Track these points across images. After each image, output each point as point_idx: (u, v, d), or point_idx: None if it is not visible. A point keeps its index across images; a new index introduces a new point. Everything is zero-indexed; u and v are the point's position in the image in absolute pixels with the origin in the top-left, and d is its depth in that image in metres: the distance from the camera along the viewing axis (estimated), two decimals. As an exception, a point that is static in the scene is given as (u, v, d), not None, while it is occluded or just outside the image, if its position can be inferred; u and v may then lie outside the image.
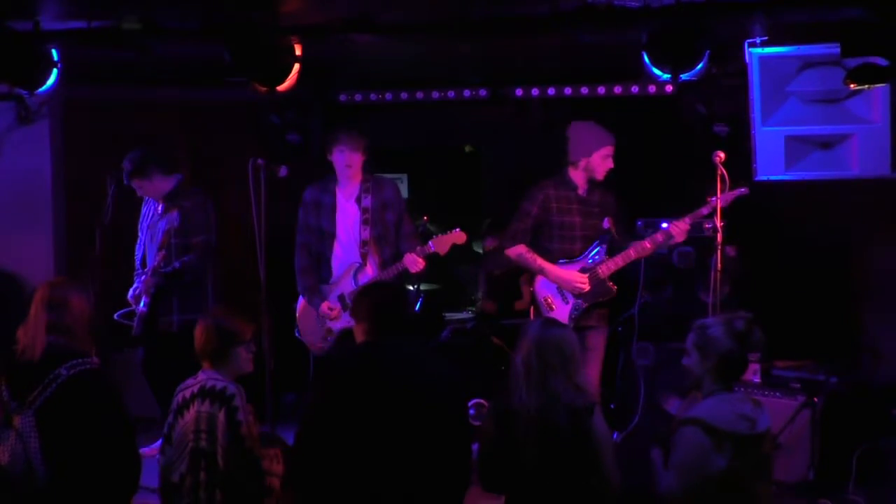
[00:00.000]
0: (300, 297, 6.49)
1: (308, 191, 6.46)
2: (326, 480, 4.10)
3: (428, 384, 4.21)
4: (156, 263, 6.47)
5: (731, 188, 5.83)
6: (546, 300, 6.18)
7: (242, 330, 4.56)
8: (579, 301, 6.09)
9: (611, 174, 6.19)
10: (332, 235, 6.32)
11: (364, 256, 6.25)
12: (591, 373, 5.89)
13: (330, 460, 4.10)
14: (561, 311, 6.11)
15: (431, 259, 6.26)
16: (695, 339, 4.20)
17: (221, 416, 4.34)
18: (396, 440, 4.07)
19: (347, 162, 6.26)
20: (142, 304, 6.53)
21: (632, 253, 6.05)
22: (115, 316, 6.68)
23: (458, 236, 6.15)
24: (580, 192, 6.19)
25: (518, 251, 6.21)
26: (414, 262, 6.13)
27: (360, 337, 4.41)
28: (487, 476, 4.33)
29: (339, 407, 4.15)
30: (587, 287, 6.06)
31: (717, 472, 3.97)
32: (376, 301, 4.40)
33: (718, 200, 5.81)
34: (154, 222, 6.71)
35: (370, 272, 6.26)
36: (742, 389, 4.17)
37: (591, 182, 6.18)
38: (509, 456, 4.24)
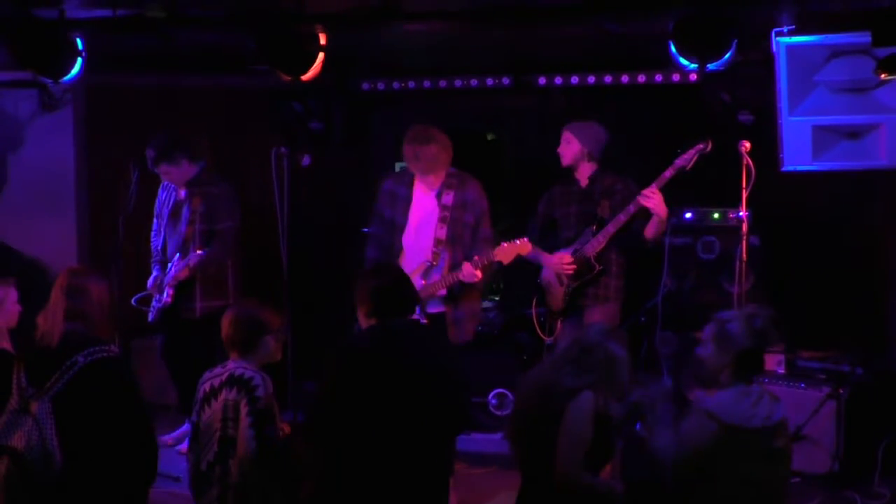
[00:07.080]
0: None
1: (387, 181, 6.12)
2: (335, 463, 4.14)
3: (433, 362, 4.28)
4: (186, 255, 6.41)
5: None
6: (549, 284, 6.33)
7: (271, 319, 4.56)
8: (570, 283, 6.22)
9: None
10: (403, 229, 5.95)
11: (436, 256, 5.87)
12: None
13: (339, 442, 4.14)
14: (557, 293, 6.26)
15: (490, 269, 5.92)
16: (713, 332, 4.14)
17: (243, 404, 4.34)
18: (405, 418, 4.11)
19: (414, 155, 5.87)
20: (165, 294, 6.51)
21: (610, 228, 6.10)
22: (133, 301, 6.66)
23: (523, 246, 5.80)
24: (581, 185, 6.30)
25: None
26: (471, 274, 5.76)
27: (362, 321, 4.42)
28: None
29: (348, 389, 4.18)
30: (570, 269, 6.17)
31: (719, 463, 3.94)
32: (377, 284, 4.41)
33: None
34: (175, 209, 6.66)
35: (439, 273, 5.88)
36: (760, 382, 4.12)
37: (598, 171, 6.25)
38: None
